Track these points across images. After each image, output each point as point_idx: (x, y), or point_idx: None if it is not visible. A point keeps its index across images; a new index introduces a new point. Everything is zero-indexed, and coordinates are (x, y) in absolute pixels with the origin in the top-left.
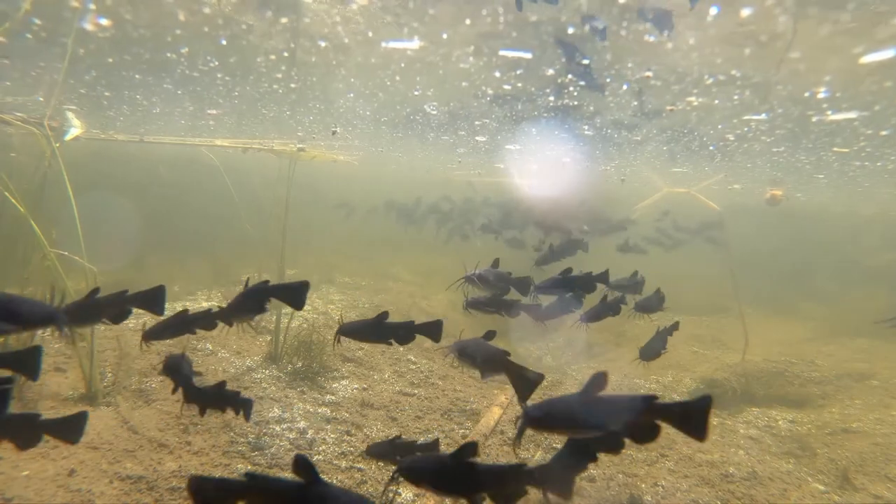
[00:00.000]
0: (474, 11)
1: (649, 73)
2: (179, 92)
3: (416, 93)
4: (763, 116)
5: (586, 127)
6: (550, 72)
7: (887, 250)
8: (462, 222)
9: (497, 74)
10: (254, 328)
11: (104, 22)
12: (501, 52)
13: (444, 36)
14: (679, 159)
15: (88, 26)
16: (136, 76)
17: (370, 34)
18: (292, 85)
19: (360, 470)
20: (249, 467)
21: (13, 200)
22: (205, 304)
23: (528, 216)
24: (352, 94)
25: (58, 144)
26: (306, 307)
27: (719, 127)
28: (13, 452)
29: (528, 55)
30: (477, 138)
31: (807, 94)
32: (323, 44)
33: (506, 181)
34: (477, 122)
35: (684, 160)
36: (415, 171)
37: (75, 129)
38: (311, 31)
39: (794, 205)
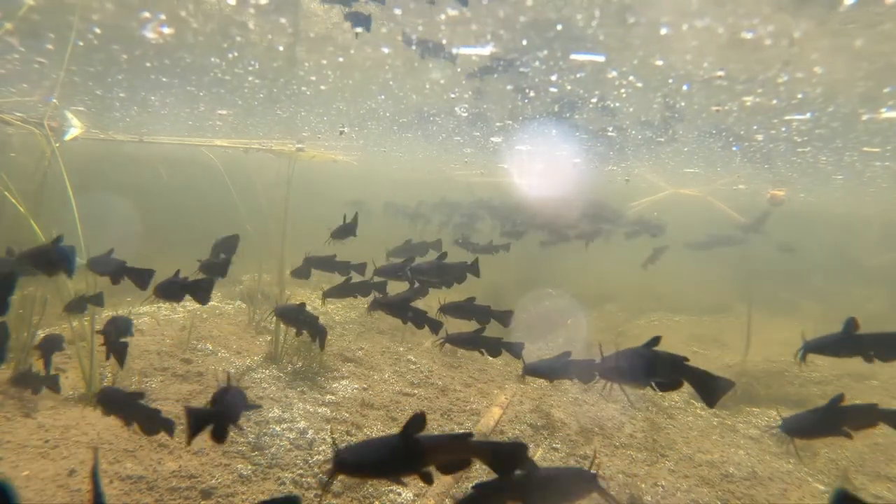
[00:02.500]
0: (569, 17)
1: (721, 73)
2: (202, 93)
3: (452, 95)
4: (807, 116)
5: (610, 128)
6: (613, 74)
7: (887, 250)
8: (462, 224)
9: (553, 77)
10: (254, 328)
11: (167, 30)
12: (573, 56)
13: (524, 42)
14: (695, 160)
15: (151, 35)
16: (164, 79)
17: (444, 41)
18: (322, 87)
19: None
20: (250, 467)
21: (13, 200)
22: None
23: (535, 218)
24: (382, 97)
25: (58, 144)
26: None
27: (754, 127)
28: (13, 452)
29: (602, 58)
30: (492, 139)
31: (887, 90)
32: (387, 50)
33: (506, 181)
34: (498, 124)
35: (699, 160)
36: (415, 172)
37: (75, 128)
38: (382, 40)
39: (796, 205)
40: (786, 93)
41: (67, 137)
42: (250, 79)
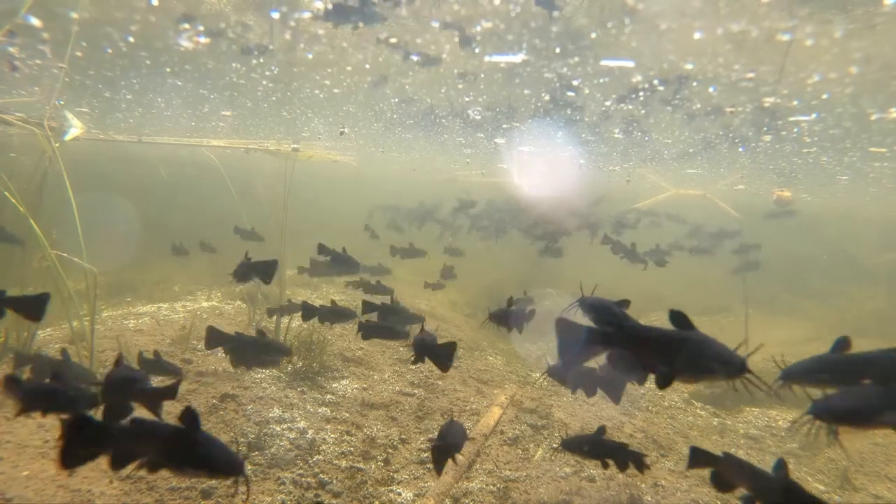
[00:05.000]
0: (601, 22)
1: (751, 74)
2: (213, 96)
3: (466, 99)
4: (813, 117)
5: (617, 130)
6: (638, 77)
7: (887, 250)
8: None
9: (576, 82)
10: (254, 328)
11: (204, 40)
12: (603, 62)
13: (558, 50)
14: (699, 160)
15: (187, 44)
16: (178, 83)
17: (477, 50)
18: (336, 90)
19: (360, 470)
20: (250, 467)
21: (13, 200)
22: (205, 304)
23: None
24: (396, 100)
25: (57, 144)
26: None
27: (764, 129)
28: (13, 452)
29: (631, 63)
30: (496, 140)
31: None
32: (415, 58)
33: (505, 181)
34: (504, 125)
35: (703, 161)
36: (415, 172)
37: (75, 129)
38: (414, 49)
39: (797, 205)
40: (812, 93)
41: (68, 137)
42: (264, 83)
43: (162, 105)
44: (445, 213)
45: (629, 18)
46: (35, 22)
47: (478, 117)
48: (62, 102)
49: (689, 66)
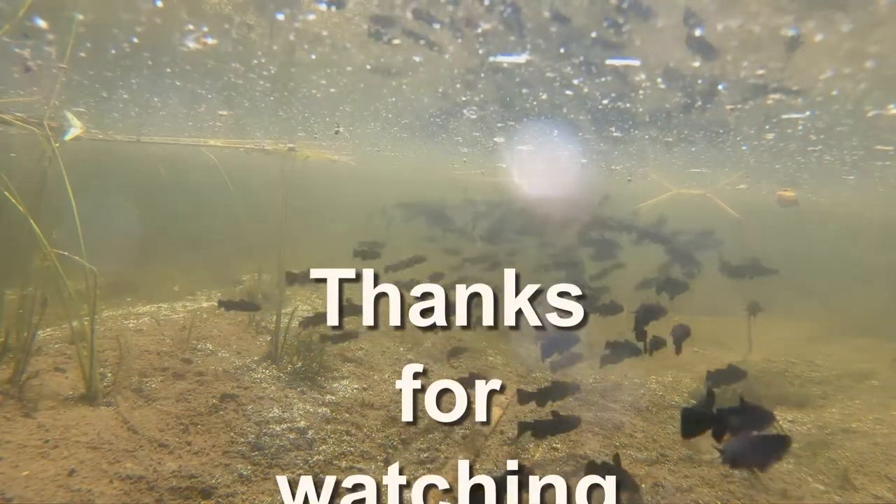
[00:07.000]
0: (596, 21)
1: (762, 72)
2: (210, 96)
3: (463, 98)
4: (807, 114)
5: (613, 129)
6: (641, 76)
7: (887, 250)
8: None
9: (576, 82)
10: (254, 328)
11: (211, 41)
12: (609, 62)
13: (562, 51)
14: (702, 159)
15: (195, 45)
16: (178, 83)
17: (481, 51)
18: (332, 90)
19: (360, 470)
20: (250, 467)
21: (13, 200)
22: (205, 304)
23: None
24: (393, 99)
25: (58, 144)
26: (305, 307)
27: (766, 128)
28: (13, 452)
29: (637, 62)
30: (495, 139)
31: None
32: (418, 59)
33: (505, 181)
34: (499, 125)
35: (706, 160)
36: (415, 172)
37: (75, 129)
38: (420, 50)
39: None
40: (823, 89)
41: (68, 137)
42: (261, 83)
43: (158, 104)
44: (455, 214)
45: (622, 17)
46: (41, 24)
47: (473, 116)
48: (59, 103)
49: (696, 64)
